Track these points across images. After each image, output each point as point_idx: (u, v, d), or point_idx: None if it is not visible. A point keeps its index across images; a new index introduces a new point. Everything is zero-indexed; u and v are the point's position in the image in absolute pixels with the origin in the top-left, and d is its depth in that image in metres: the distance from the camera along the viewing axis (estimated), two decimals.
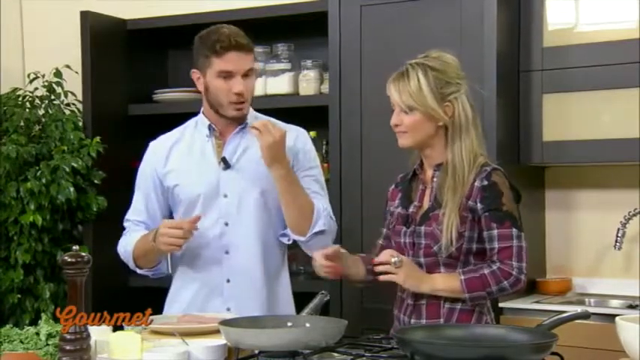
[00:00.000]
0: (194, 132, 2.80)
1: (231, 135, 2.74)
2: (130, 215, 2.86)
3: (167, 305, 2.84)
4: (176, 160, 2.78)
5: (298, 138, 2.79)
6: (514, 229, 2.44)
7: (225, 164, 2.72)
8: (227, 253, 2.73)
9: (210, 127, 2.76)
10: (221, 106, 2.71)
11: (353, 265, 2.58)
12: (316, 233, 2.69)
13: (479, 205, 2.44)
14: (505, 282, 2.42)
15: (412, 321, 2.48)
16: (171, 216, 2.81)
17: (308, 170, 2.78)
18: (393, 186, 2.65)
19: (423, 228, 2.47)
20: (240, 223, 2.72)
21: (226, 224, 2.72)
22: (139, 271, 2.83)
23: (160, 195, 2.81)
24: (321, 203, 2.74)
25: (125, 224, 2.88)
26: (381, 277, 2.44)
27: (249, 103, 2.73)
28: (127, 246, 2.80)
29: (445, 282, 2.43)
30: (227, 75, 2.66)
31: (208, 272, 2.73)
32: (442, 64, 2.48)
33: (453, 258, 2.45)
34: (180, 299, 2.78)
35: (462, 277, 2.42)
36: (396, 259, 2.39)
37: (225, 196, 2.71)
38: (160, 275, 2.82)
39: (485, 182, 2.45)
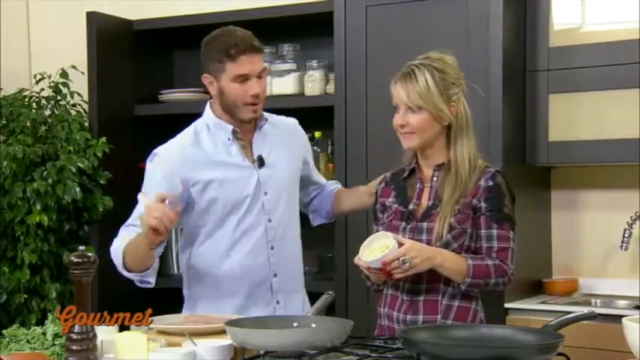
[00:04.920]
0: (209, 137, 2.76)
1: (254, 135, 2.78)
2: (132, 220, 2.73)
3: (215, 308, 2.74)
4: (206, 170, 2.72)
5: (302, 134, 2.95)
6: (511, 232, 2.49)
7: (261, 163, 2.75)
8: (272, 249, 2.77)
9: (233, 131, 2.75)
10: (237, 108, 2.72)
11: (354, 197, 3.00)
12: None
13: (483, 204, 2.47)
14: (500, 279, 2.46)
15: (408, 317, 2.49)
16: None
17: (312, 160, 3.01)
18: (382, 184, 2.65)
19: (425, 224, 2.49)
20: (280, 218, 2.78)
21: (269, 221, 2.76)
22: (125, 273, 2.66)
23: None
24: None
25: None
26: (397, 276, 2.42)
27: (263, 104, 2.75)
28: (118, 241, 2.67)
29: (453, 261, 2.43)
30: (243, 79, 2.68)
31: (257, 269, 2.76)
32: (445, 65, 2.50)
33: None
34: (229, 300, 2.75)
35: (471, 262, 2.43)
36: (404, 258, 2.38)
37: (266, 193, 2.76)
38: (146, 285, 2.68)
39: (491, 183, 2.49)
